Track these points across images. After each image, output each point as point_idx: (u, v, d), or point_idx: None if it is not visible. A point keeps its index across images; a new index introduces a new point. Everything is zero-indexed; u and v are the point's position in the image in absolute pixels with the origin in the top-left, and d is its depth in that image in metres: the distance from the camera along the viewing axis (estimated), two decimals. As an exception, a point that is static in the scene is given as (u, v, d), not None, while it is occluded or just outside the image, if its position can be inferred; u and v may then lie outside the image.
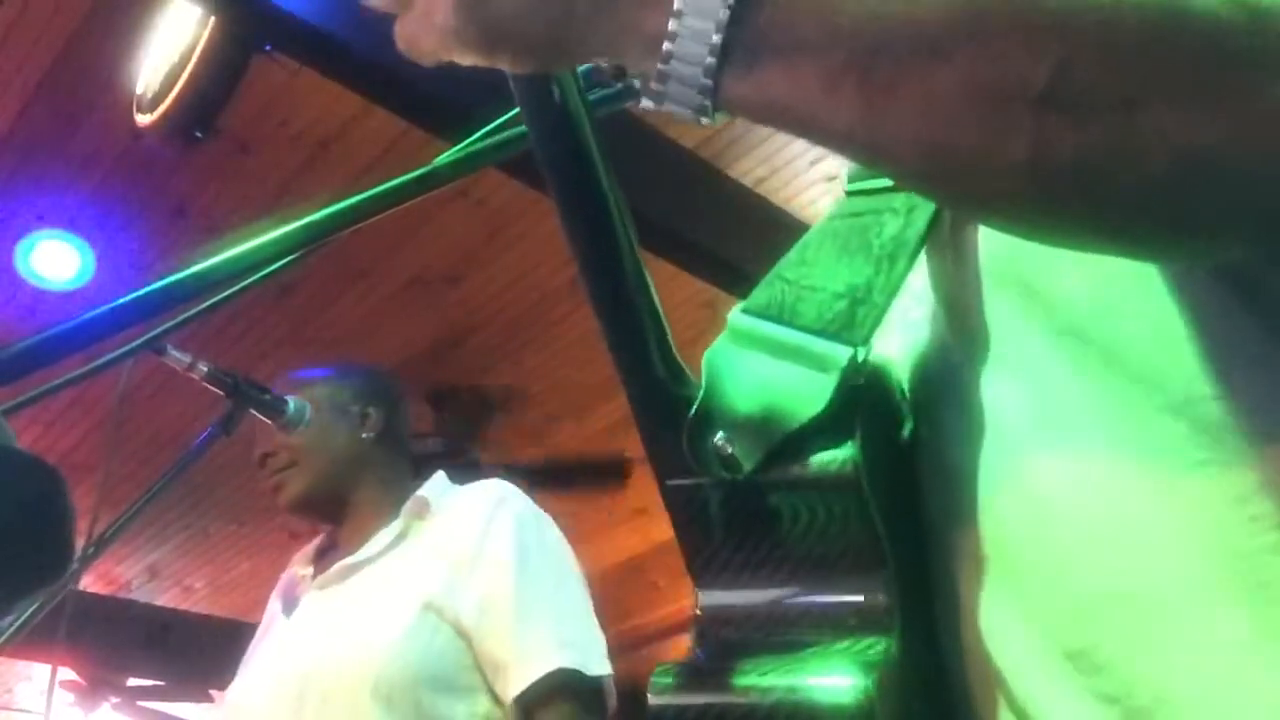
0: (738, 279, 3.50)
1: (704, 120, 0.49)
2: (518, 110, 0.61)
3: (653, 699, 0.55)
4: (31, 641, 1.20)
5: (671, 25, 0.47)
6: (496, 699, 1.54)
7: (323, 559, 1.76)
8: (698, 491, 0.57)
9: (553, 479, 4.35)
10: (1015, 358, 0.57)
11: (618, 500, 5.13)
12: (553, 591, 1.58)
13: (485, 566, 1.57)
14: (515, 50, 0.51)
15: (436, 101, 2.80)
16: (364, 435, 1.78)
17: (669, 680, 0.56)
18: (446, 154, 0.76)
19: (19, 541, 0.71)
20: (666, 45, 0.47)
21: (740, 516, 0.57)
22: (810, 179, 3.59)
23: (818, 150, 3.44)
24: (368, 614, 1.57)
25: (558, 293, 3.99)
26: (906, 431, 0.62)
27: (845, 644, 0.53)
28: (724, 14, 0.46)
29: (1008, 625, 0.55)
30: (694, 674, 0.56)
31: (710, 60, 0.47)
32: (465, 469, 4.23)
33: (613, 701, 1.55)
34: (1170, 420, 0.52)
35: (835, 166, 3.51)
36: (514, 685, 1.49)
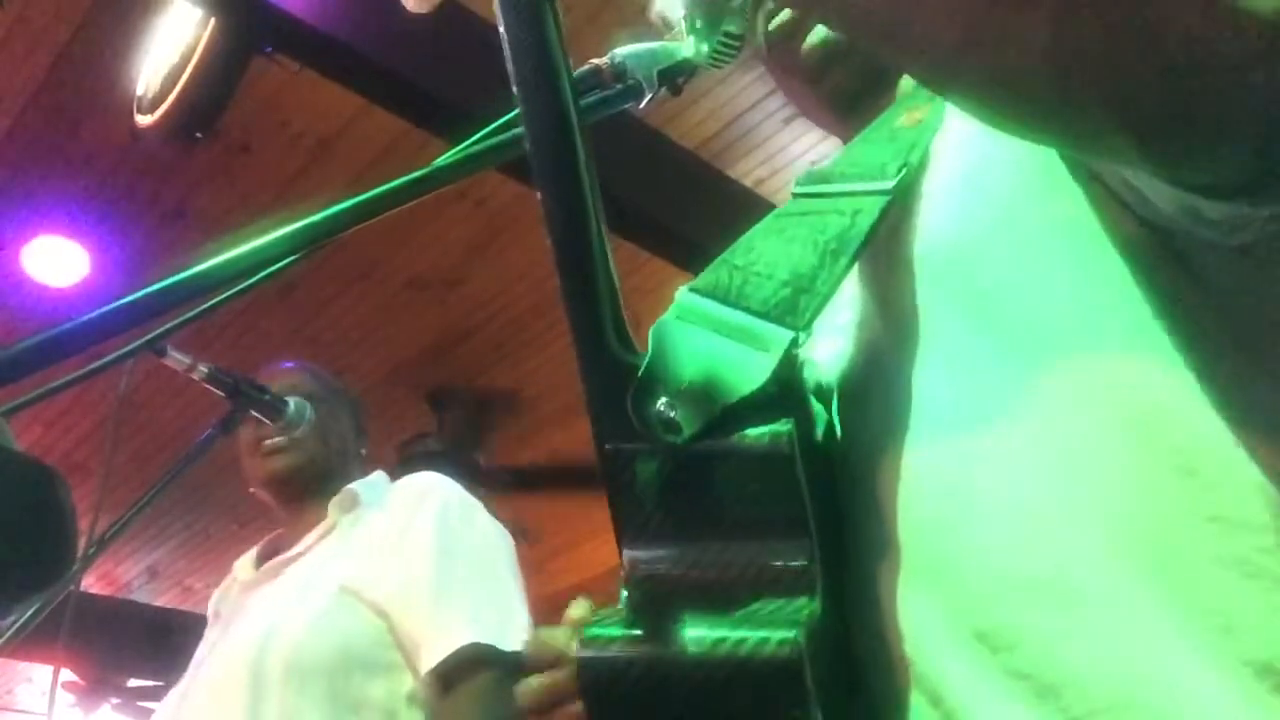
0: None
1: None
2: (518, 110, 0.62)
3: (583, 652, 0.57)
4: (32, 642, 1.19)
5: None
6: (419, 676, 1.53)
7: (264, 562, 1.77)
8: (635, 456, 0.59)
9: (552, 473, 4.36)
10: (941, 346, 0.60)
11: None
12: (473, 572, 1.57)
13: (406, 548, 1.57)
14: None
15: (436, 101, 2.81)
16: (360, 450, 1.86)
17: (601, 633, 0.57)
18: (446, 154, 0.76)
19: (19, 542, 0.71)
20: None
21: (674, 482, 0.59)
22: (810, 179, 3.59)
23: (818, 151, 3.44)
24: (284, 603, 1.57)
25: (557, 293, 3.97)
26: (820, 429, 0.65)
27: (775, 604, 0.55)
28: None
29: (919, 607, 0.58)
30: (627, 628, 0.57)
31: None
32: (465, 471, 4.21)
33: None
34: (1087, 409, 0.54)
35: (835, 166, 3.51)
36: (427, 660, 1.48)
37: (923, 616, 0.58)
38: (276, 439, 1.72)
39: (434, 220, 3.58)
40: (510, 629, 1.52)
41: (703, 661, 0.54)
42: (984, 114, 0.54)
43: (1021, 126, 0.52)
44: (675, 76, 0.82)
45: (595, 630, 0.57)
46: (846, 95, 0.82)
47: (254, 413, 1.58)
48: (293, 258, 0.72)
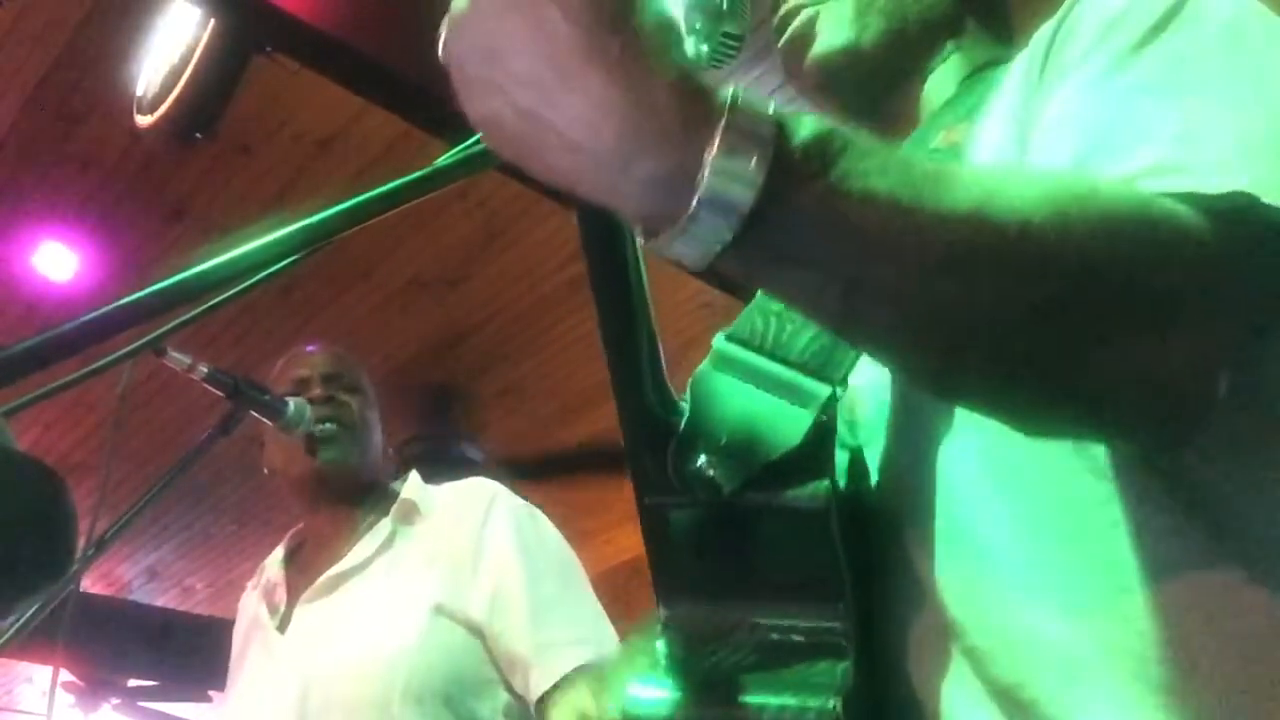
0: (736, 281, 3.50)
1: (686, 267, 0.52)
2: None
3: (629, 710, 0.57)
4: (32, 643, 1.19)
5: (691, 207, 0.48)
6: (513, 692, 1.54)
7: (297, 564, 1.74)
8: (674, 510, 0.59)
9: (553, 472, 4.35)
10: (970, 421, 0.60)
11: (617, 500, 5.13)
12: (561, 585, 1.59)
13: (489, 564, 1.57)
14: (565, 181, 0.51)
15: (436, 101, 2.80)
16: (388, 448, 1.83)
17: (647, 707, 0.57)
18: (446, 154, 0.76)
19: (20, 543, 0.71)
20: (683, 224, 0.49)
21: (713, 537, 0.59)
22: (810, 179, 3.59)
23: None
24: (375, 622, 1.56)
25: (557, 293, 3.99)
26: (844, 471, 0.64)
27: (815, 667, 0.55)
28: (738, 217, 0.47)
29: (941, 661, 0.58)
30: (671, 694, 0.57)
31: (717, 247, 0.49)
32: (465, 468, 4.21)
33: None
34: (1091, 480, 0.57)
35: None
36: (536, 685, 1.50)
37: (943, 668, 0.58)
38: (325, 427, 1.67)
39: (434, 220, 3.58)
40: (608, 641, 1.55)
41: None
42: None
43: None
44: (675, 77, 0.82)
45: (643, 700, 0.57)
46: (855, 104, 0.82)
47: (254, 413, 1.57)
48: (293, 258, 0.71)
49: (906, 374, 0.56)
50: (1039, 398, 0.52)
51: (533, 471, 4.62)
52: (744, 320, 0.65)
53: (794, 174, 0.47)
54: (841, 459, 0.62)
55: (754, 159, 0.46)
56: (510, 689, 1.54)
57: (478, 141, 0.77)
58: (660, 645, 0.59)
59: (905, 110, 0.80)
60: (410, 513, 1.67)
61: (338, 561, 1.65)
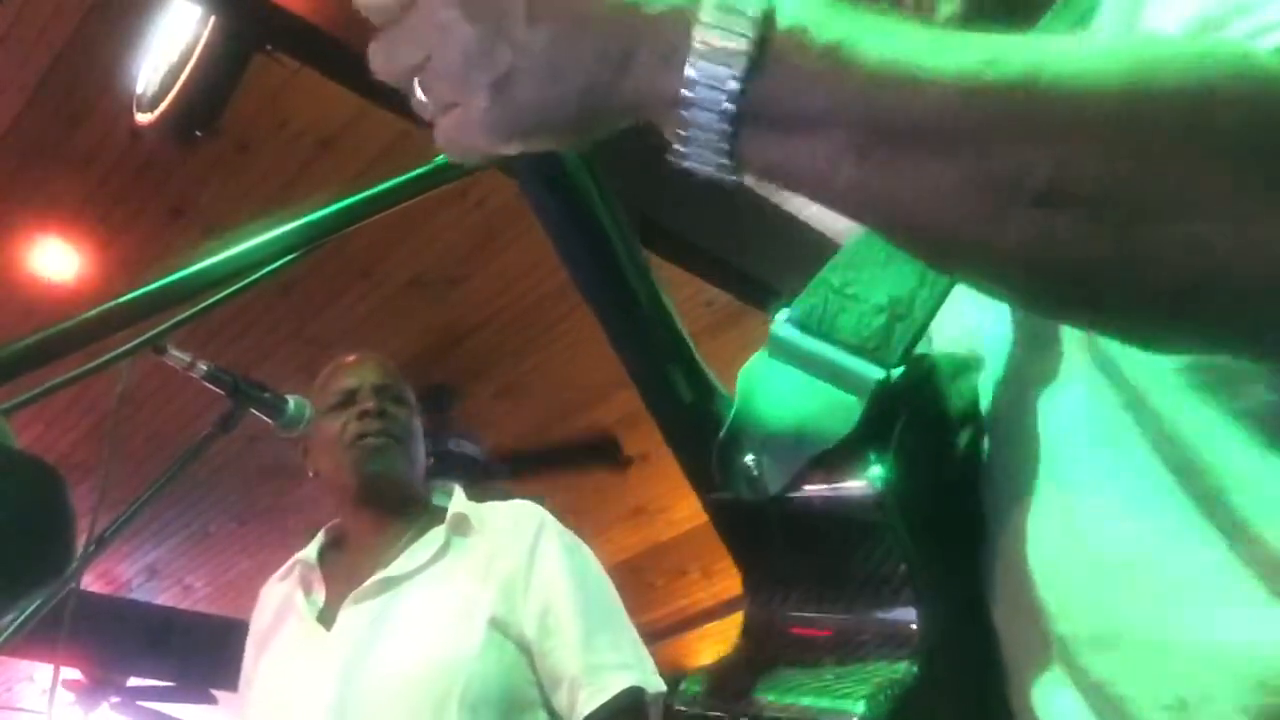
0: (737, 279, 3.50)
1: (729, 179, 0.50)
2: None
3: (678, 706, 0.57)
4: (32, 641, 1.19)
5: (685, 93, 0.47)
6: (553, 712, 1.59)
7: (334, 562, 1.74)
8: (737, 505, 0.57)
9: (547, 464, 4.36)
10: (1080, 393, 0.55)
11: (617, 500, 5.13)
12: (607, 612, 1.65)
13: (539, 583, 1.61)
14: (552, 130, 0.52)
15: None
16: (428, 458, 1.85)
17: (695, 690, 0.57)
18: (446, 154, 0.76)
19: (19, 541, 0.71)
20: (684, 113, 0.48)
21: (779, 532, 0.57)
22: (810, 179, 3.59)
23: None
24: (433, 629, 1.59)
25: (557, 293, 3.99)
26: (964, 440, 0.61)
27: (869, 668, 0.53)
28: (733, 84, 0.47)
29: (1030, 649, 0.55)
30: (717, 685, 0.57)
31: (725, 127, 0.47)
32: (464, 465, 4.21)
33: (660, 718, 1.60)
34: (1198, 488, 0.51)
35: (835, 166, 3.50)
36: (583, 705, 1.54)
37: (1036, 661, 0.55)
38: (377, 441, 1.69)
39: (434, 220, 3.58)
40: (649, 670, 1.61)
41: None
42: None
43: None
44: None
45: (691, 687, 0.57)
46: None
47: (254, 411, 1.58)
48: (293, 257, 0.72)
49: (946, 260, 0.50)
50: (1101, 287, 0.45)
51: (533, 471, 4.63)
52: (805, 297, 0.62)
53: (788, 31, 0.46)
54: (937, 435, 0.59)
55: (744, 17, 0.46)
56: (550, 710, 1.59)
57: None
58: (737, 641, 0.59)
59: None
60: (464, 525, 1.70)
61: (385, 566, 1.67)
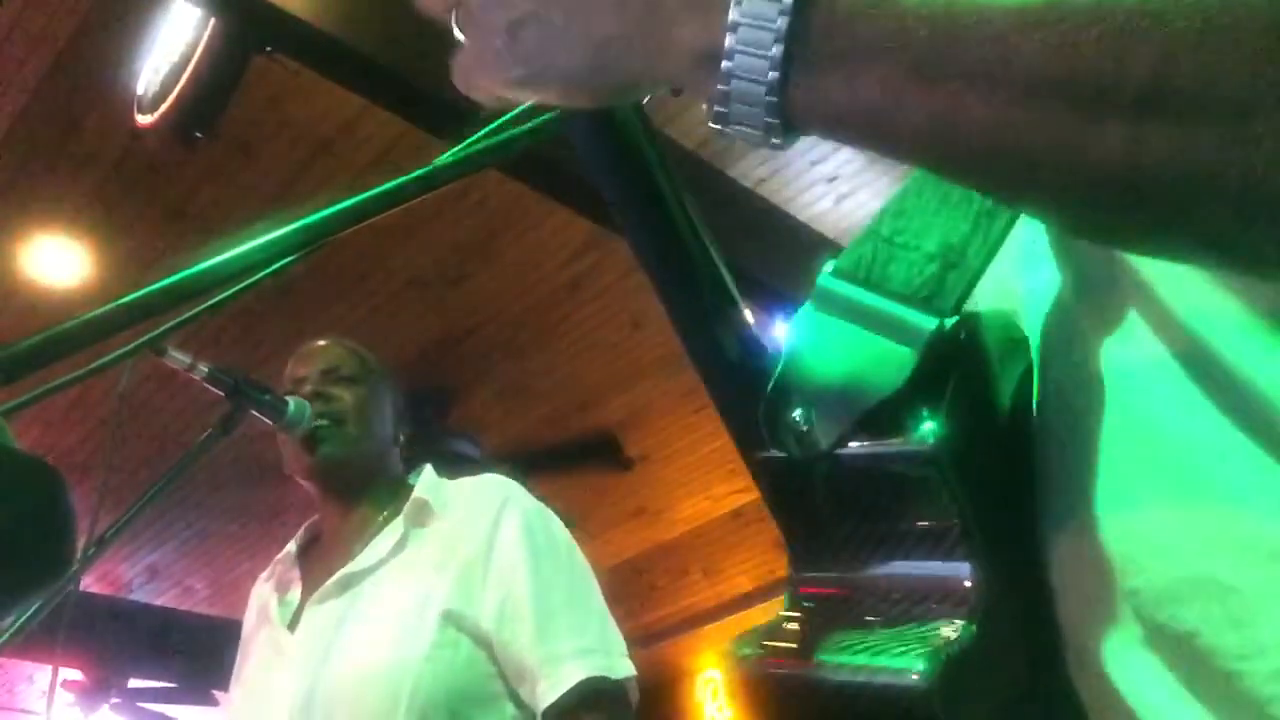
0: (737, 279, 3.50)
1: (775, 142, 0.47)
2: (518, 111, 0.62)
3: (736, 666, 0.55)
4: (32, 642, 1.19)
5: (728, 41, 0.45)
6: (519, 703, 1.54)
7: (311, 558, 1.73)
8: (784, 465, 0.55)
9: (553, 472, 4.36)
10: (1156, 360, 0.52)
11: (617, 501, 5.13)
12: (569, 593, 1.58)
13: (498, 570, 1.56)
14: (563, 82, 0.51)
15: (436, 101, 2.80)
16: (399, 435, 1.79)
17: (749, 651, 0.55)
18: (446, 154, 0.76)
19: (20, 542, 0.71)
20: (725, 64, 0.45)
21: (829, 491, 0.55)
22: (810, 179, 3.59)
23: (818, 151, 3.44)
24: (384, 629, 1.55)
25: (558, 292, 3.99)
26: (1013, 394, 0.58)
27: (925, 627, 0.52)
28: (782, 21, 0.44)
29: (1099, 607, 0.52)
30: (772, 646, 0.55)
31: (773, 75, 0.44)
32: (464, 465, 4.22)
33: (636, 698, 1.56)
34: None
35: (835, 167, 3.51)
36: (543, 698, 1.49)
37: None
38: (318, 423, 1.66)
39: (434, 220, 3.58)
40: (615, 653, 1.55)
41: (839, 687, 0.51)
42: (1054, 225, 0.51)
43: (1100, 240, 0.48)
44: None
45: (743, 648, 0.55)
46: None
47: (254, 412, 1.57)
48: (293, 258, 0.72)
49: (1024, 188, 0.46)
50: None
51: (533, 472, 4.63)
52: (852, 249, 0.59)
53: None
54: (987, 389, 0.57)
55: None
56: (517, 701, 1.54)
57: (478, 141, 0.77)
58: (785, 598, 0.57)
59: None
60: (423, 513, 1.66)
61: (350, 560, 1.64)
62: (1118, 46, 0.40)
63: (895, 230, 0.58)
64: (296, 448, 1.67)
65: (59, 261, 3.70)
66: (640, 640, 5.66)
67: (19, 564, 0.72)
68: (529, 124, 0.73)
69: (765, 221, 3.64)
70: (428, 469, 1.76)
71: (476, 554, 1.57)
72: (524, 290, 3.98)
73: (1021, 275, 0.60)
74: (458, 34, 0.54)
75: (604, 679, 1.50)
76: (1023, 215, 0.57)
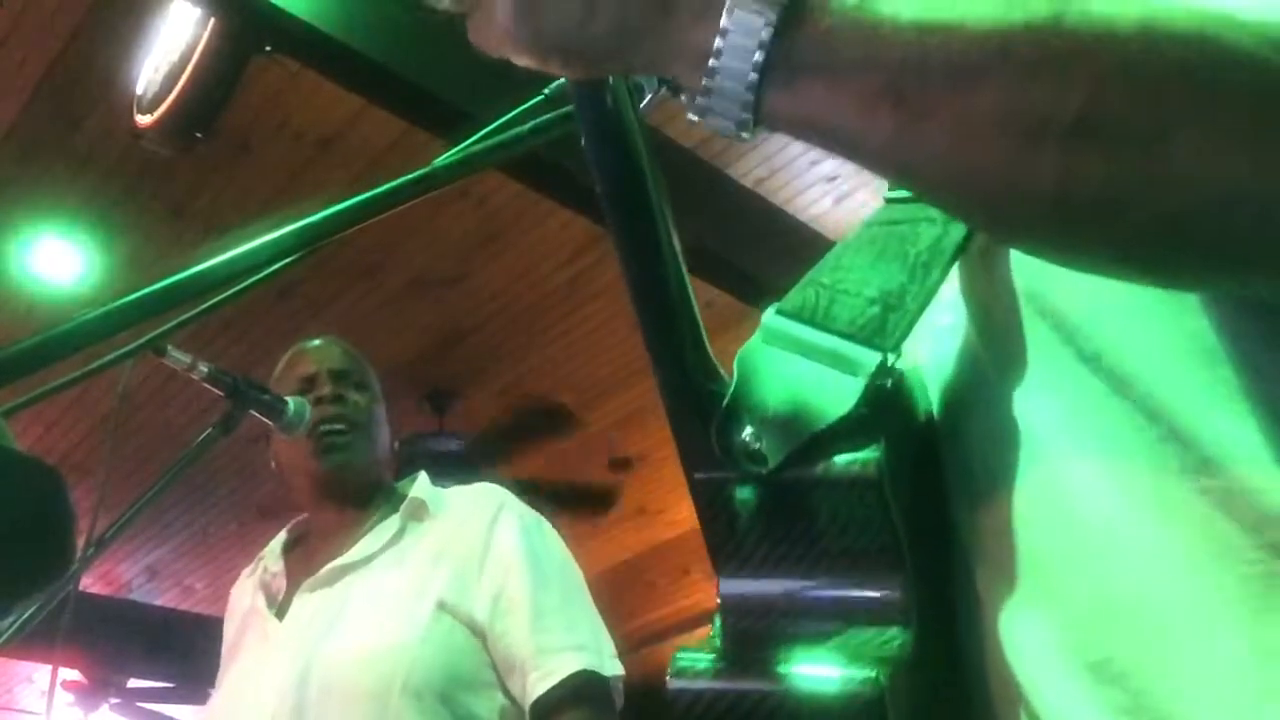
0: (737, 279, 3.50)
1: (744, 135, 0.51)
2: (518, 111, 0.62)
3: (672, 683, 0.56)
4: (32, 642, 1.19)
5: (717, 42, 0.49)
6: (509, 695, 1.55)
7: (297, 555, 1.73)
8: (724, 485, 0.58)
9: (541, 496, 4.37)
10: (1048, 375, 0.57)
11: (616, 500, 5.13)
12: (563, 593, 1.59)
13: (494, 566, 1.57)
14: (566, 58, 0.54)
15: (436, 101, 2.81)
16: (395, 444, 1.81)
17: (688, 665, 0.57)
18: (446, 154, 0.76)
19: (19, 542, 0.71)
20: (712, 61, 0.49)
21: (764, 511, 0.58)
22: (810, 179, 3.59)
23: (818, 151, 3.43)
24: (379, 615, 1.56)
25: (557, 293, 3.99)
26: (927, 438, 0.63)
27: (862, 637, 0.54)
28: (767, 32, 0.48)
29: (1030, 633, 0.56)
30: (713, 660, 0.57)
31: (752, 76, 0.49)
32: (463, 469, 4.20)
33: (621, 700, 1.57)
34: (1178, 449, 0.52)
35: (835, 167, 3.51)
36: (533, 689, 1.50)
37: (1032, 640, 0.56)
38: (334, 427, 1.66)
39: (434, 220, 3.59)
40: (605, 653, 1.56)
41: (782, 699, 0.53)
42: (1003, 242, 0.55)
43: (1039, 254, 0.53)
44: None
45: (682, 662, 0.57)
46: None
47: (254, 412, 1.57)
48: (293, 258, 0.72)
49: (981, 209, 0.51)
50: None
51: (522, 486, 4.63)
52: (795, 294, 0.63)
53: None
54: (916, 424, 0.61)
55: None
56: (507, 692, 1.55)
57: (478, 141, 0.77)
58: (715, 619, 0.59)
59: None
60: (420, 510, 1.67)
61: (342, 554, 1.65)
62: (1057, 80, 0.45)
63: (836, 279, 0.63)
64: (303, 451, 1.67)
65: (59, 261, 3.70)
66: (640, 640, 5.67)
67: (18, 564, 0.72)
68: (529, 124, 0.73)
69: (765, 221, 3.64)
70: (422, 475, 1.77)
71: (472, 550, 1.59)
72: (524, 290, 3.98)
73: (932, 315, 0.64)
74: None
75: (595, 674, 1.51)
76: (955, 266, 0.63)
